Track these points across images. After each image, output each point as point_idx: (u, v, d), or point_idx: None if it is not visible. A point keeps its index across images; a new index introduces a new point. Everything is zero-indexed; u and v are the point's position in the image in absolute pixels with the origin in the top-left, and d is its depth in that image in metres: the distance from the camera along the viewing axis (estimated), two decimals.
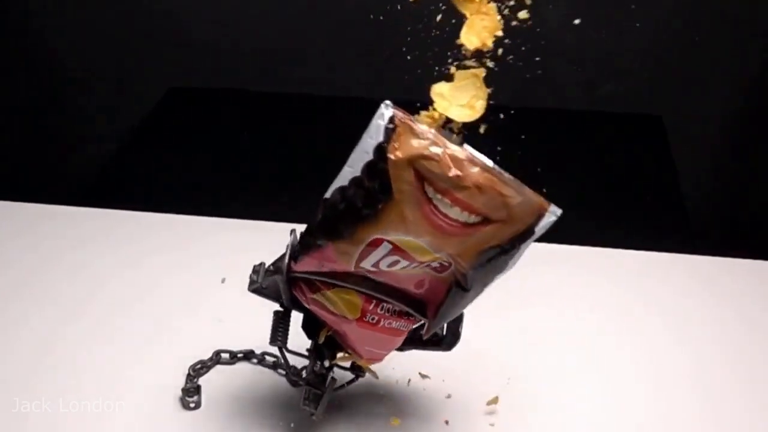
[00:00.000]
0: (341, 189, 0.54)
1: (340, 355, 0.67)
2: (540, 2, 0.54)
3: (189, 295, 0.86)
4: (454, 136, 0.54)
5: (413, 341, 0.65)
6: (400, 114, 0.52)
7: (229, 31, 1.71)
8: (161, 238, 0.95)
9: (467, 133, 0.55)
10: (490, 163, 0.52)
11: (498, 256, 0.54)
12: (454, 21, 0.56)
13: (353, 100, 1.58)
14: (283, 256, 0.61)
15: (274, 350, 0.71)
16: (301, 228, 0.61)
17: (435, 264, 0.56)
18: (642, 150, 1.49)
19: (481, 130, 0.56)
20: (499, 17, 0.54)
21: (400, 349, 0.65)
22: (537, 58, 0.66)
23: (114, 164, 1.50)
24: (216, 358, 0.76)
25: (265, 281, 0.63)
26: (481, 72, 0.55)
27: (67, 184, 1.63)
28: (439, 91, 0.55)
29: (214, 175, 1.42)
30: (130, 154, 1.52)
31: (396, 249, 0.55)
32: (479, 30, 0.54)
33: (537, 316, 0.83)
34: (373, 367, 0.68)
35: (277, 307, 0.66)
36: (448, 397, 0.73)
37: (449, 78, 0.55)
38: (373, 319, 0.60)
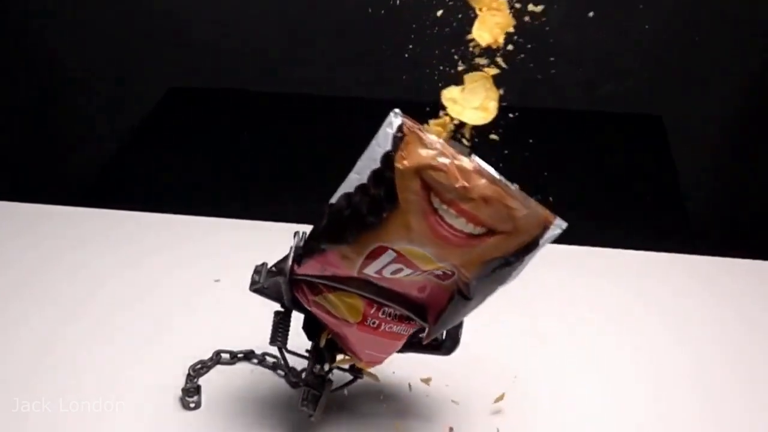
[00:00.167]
0: (347, 195, 0.54)
1: (339, 357, 0.67)
2: (540, 2, 0.54)
3: (189, 295, 0.86)
4: (463, 146, 0.54)
5: (413, 345, 0.65)
6: (409, 123, 0.52)
7: (229, 31, 1.71)
8: (161, 238, 0.95)
9: (477, 140, 0.55)
10: (497, 175, 0.52)
11: (502, 267, 0.54)
12: (460, 15, 0.55)
13: (353, 100, 1.59)
14: (286, 258, 0.61)
15: (275, 351, 0.71)
16: (304, 229, 0.61)
17: (438, 272, 0.56)
18: (642, 150, 1.49)
19: (493, 136, 0.56)
20: (509, 11, 0.54)
21: (400, 351, 0.65)
22: (535, 58, 0.66)
23: (114, 164, 1.50)
24: (216, 358, 0.76)
25: (267, 282, 0.63)
26: (493, 70, 0.55)
27: (67, 184, 1.63)
28: (450, 96, 0.55)
29: (214, 175, 1.42)
30: (130, 154, 1.52)
31: (400, 257, 0.55)
32: (491, 26, 0.54)
33: (537, 316, 0.83)
34: (374, 370, 0.68)
35: (277, 307, 0.66)
36: (455, 402, 0.73)
37: (453, 77, 0.55)
38: (374, 323, 0.60)
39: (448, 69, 0.56)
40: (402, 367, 0.74)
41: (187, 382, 0.73)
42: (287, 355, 0.68)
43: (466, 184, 0.51)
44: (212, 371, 0.75)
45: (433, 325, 0.60)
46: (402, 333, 0.62)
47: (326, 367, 0.67)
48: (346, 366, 0.68)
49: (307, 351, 0.67)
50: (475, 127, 0.55)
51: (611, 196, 1.36)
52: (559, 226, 0.52)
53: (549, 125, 1.49)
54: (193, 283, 0.87)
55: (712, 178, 1.70)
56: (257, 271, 0.64)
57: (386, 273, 0.56)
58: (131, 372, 0.75)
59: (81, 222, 0.98)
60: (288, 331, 0.66)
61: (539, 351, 0.79)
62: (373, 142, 0.52)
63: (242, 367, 0.76)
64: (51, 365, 0.76)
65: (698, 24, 1.58)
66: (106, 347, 0.78)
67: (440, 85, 0.57)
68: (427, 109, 0.56)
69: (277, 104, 1.62)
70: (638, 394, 0.74)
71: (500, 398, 0.72)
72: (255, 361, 0.76)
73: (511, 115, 0.56)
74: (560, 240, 0.54)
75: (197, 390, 0.72)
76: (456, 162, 0.51)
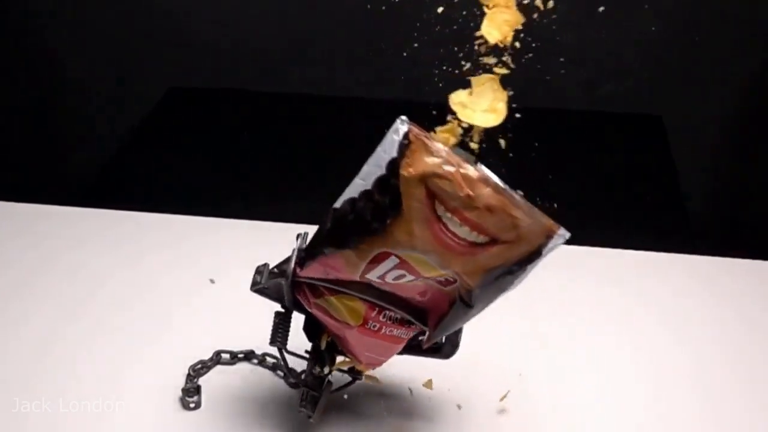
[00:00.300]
0: (351, 200, 0.54)
1: (339, 359, 0.67)
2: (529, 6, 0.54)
3: (189, 295, 0.86)
4: (469, 154, 0.54)
5: (412, 348, 0.65)
6: (415, 130, 0.52)
7: (229, 31, 1.71)
8: (161, 238, 0.95)
9: (485, 146, 0.55)
10: (502, 184, 0.51)
11: (504, 275, 0.54)
12: (464, 12, 0.55)
13: (353, 100, 1.59)
14: (288, 260, 0.61)
15: (275, 351, 0.71)
16: (304, 229, 0.61)
17: (441, 279, 0.56)
18: (642, 150, 1.49)
19: (502, 144, 0.56)
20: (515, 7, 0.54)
21: (399, 354, 0.65)
22: (536, 58, 0.66)
23: (114, 164, 1.50)
24: (216, 359, 0.76)
25: (268, 282, 0.63)
26: (502, 70, 0.54)
27: (67, 184, 1.63)
28: (458, 100, 0.55)
29: (214, 175, 1.42)
30: (130, 154, 1.52)
31: (403, 263, 0.55)
32: (500, 23, 0.54)
33: (537, 316, 0.83)
34: (374, 373, 0.69)
35: (278, 307, 0.66)
36: (459, 406, 0.73)
37: (454, 76, 0.55)
38: (374, 326, 0.60)
39: (448, 69, 0.56)
40: (402, 370, 0.73)
41: (187, 382, 0.73)
42: (287, 356, 0.68)
43: (471, 193, 0.51)
44: (212, 371, 0.75)
45: (433, 330, 0.60)
46: (402, 336, 0.62)
47: (326, 370, 0.67)
48: (346, 368, 0.68)
49: (306, 352, 0.67)
50: (484, 132, 0.55)
51: (611, 196, 1.36)
52: (562, 235, 0.52)
53: (549, 125, 1.49)
54: (194, 283, 0.87)
55: (712, 178, 1.70)
56: (259, 271, 0.64)
57: (389, 278, 0.56)
58: (131, 372, 0.75)
59: (81, 222, 0.98)
60: (288, 331, 0.66)
61: (540, 351, 0.79)
62: (379, 149, 0.52)
63: (242, 367, 0.76)
64: (51, 365, 0.76)
65: (698, 24, 1.58)
66: (106, 347, 0.78)
67: (441, 85, 0.57)
68: (434, 112, 0.56)
69: (277, 104, 1.62)
70: (638, 394, 0.74)
71: (504, 396, 0.72)
72: (255, 361, 0.76)
73: (517, 115, 0.56)
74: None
75: (197, 390, 0.72)
76: (461, 170, 0.51)
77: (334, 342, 0.65)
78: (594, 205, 1.30)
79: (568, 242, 0.53)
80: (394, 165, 0.52)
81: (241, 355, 0.76)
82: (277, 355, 0.72)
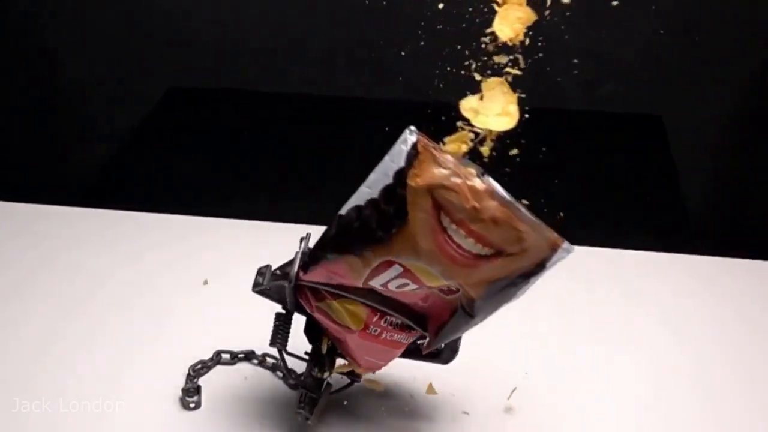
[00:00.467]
0: (357, 208, 0.54)
1: (339, 362, 0.67)
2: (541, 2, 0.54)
3: (189, 294, 0.86)
4: (476, 165, 0.53)
5: (411, 352, 0.66)
6: (423, 140, 0.52)
7: (229, 31, 1.71)
8: (161, 238, 0.95)
9: (495, 154, 0.54)
10: (508, 196, 0.51)
11: (507, 287, 0.54)
12: (470, 9, 0.55)
13: (353, 100, 1.59)
14: (291, 262, 0.61)
15: (275, 352, 0.71)
16: (306, 229, 0.61)
17: (443, 287, 0.56)
18: (642, 150, 1.49)
19: (512, 152, 0.56)
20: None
21: (398, 357, 0.66)
22: (535, 58, 0.66)
23: (114, 164, 1.50)
24: (216, 359, 0.76)
25: (271, 284, 0.63)
26: (515, 70, 0.54)
27: (67, 184, 1.63)
28: (469, 106, 0.54)
29: (214, 175, 1.42)
30: (130, 154, 1.52)
31: (406, 272, 0.55)
32: (512, 21, 0.53)
33: (537, 317, 0.83)
34: (376, 378, 0.69)
35: (279, 308, 0.66)
36: (463, 411, 0.73)
37: (454, 76, 0.55)
38: (375, 331, 0.60)
39: (449, 69, 0.56)
40: (403, 373, 0.73)
41: (187, 382, 0.73)
42: (287, 357, 0.68)
43: (477, 205, 0.51)
44: (212, 371, 0.75)
45: (434, 336, 0.61)
46: (402, 341, 0.62)
47: (326, 374, 0.67)
48: (345, 371, 0.68)
49: (306, 354, 0.67)
50: (496, 140, 0.55)
51: (611, 196, 1.36)
52: (566, 249, 0.52)
53: (549, 125, 1.49)
54: (194, 283, 0.87)
55: (712, 178, 1.70)
56: (261, 273, 0.64)
57: (392, 286, 0.56)
58: (131, 372, 0.75)
59: (81, 222, 0.98)
60: (288, 333, 0.66)
61: (540, 352, 0.79)
62: (387, 158, 0.52)
63: (242, 367, 0.76)
64: (51, 365, 0.76)
65: (698, 24, 1.58)
66: (106, 347, 0.78)
67: (441, 85, 0.56)
68: (443, 117, 0.56)
69: (277, 104, 1.62)
70: (638, 394, 0.74)
71: (511, 395, 0.72)
72: (255, 361, 0.76)
73: (527, 116, 0.56)
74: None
75: (197, 390, 0.72)
76: (468, 182, 0.51)
77: (334, 345, 0.65)
78: (594, 205, 1.30)
79: (569, 242, 0.53)
80: (401, 175, 0.52)
81: (241, 356, 0.76)
82: (277, 356, 0.72)
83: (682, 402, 0.74)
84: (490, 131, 0.54)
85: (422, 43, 0.70)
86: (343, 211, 0.54)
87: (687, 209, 1.35)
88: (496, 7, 0.54)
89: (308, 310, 0.62)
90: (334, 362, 0.67)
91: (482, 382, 0.74)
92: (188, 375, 0.74)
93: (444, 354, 0.67)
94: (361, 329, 0.60)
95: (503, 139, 0.55)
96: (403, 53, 0.71)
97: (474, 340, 0.67)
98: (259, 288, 0.64)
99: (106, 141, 1.64)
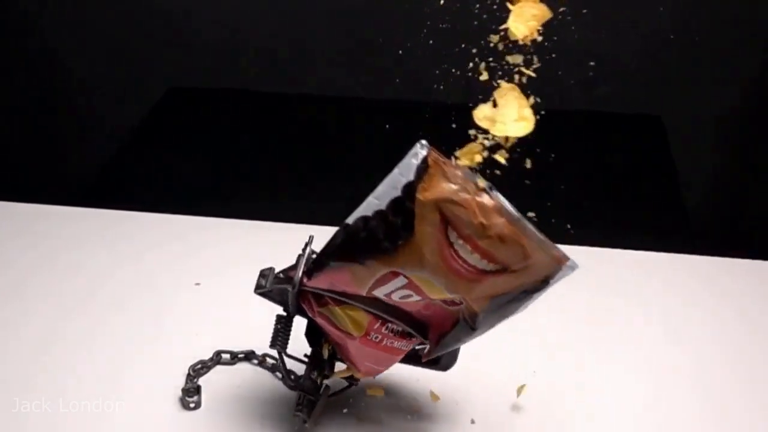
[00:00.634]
0: (364, 218, 0.54)
1: (338, 367, 0.67)
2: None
3: (189, 294, 0.86)
4: (485, 179, 0.53)
5: (411, 358, 0.66)
6: (434, 155, 0.52)
7: (229, 31, 1.71)
8: (161, 238, 0.95)
9: (509, 164, 0.54)
10: (516, 213, 0.51)
11: (510, 302, 0.54)
12: (477, 8, 0.54)
13: (353, 100, 1.59)
14: (294, 267, 0.61)
15: (275, 352, 0.71)
16: (305, 230, 0.61)
17: (446, 299, 0.56)
18: (642, 150, 1.49)
19: (528, 165, 0.55)
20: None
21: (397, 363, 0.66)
22: (535, 59, 0.66)
23: (114, 164, 1.50)
24: (216, 359, 0.76)
25: (273, 287, 0.63)
26: (529, 72, 0.54)
27: (67, 184, 1.63)
28: (482, 115, 0.54)
29: (214, 175, 1.42)
30: (130, 154, 1.52)
31: (411, 284, 0.55)
32: (527, 18, 0.53)
33: (536, 317, 0.83)
34: (377, 383, 0.69)
35: (279, 309, 0.66)
36: (462, 410, 0.73)
37: (454, 75, 0.55)
38: (376, 338, 0.61)
39: (450, 69, 0.56)
40: (404, 377, 0.73)
41: (187, 382, 0.73)
42: (286, 359, 0.68)
43: (485, 222, 0.51)
44: (212, 371, 0.75)
45: (434, 345, 0.61)
46: (402, 348, 0.63)
47: (327, 380, 0.67)
48: (344, 375, 0.68)
49: (305, 356, 0.67)
50: (510, 150, 0.54)
51: (611, 196, 1.36)
52: (571, 267, 0.53)
53: (549, 125, 1.49)
54: (193, 283, 0.87)
55: (712, 178, 1.70)
56: (263, 275, 0.64)
57: (395, 297, 0.57)
58: (131, 372, 0.75)
59: (80, 222, 0.98)
60: (289, 335, 0.66)
61: (539, 352, 0.79)
62: (396, 170, 0.52)
63: (242, 367, 0.76)
64: (51, 365, 0.76)
65: (698, 24, 1.58)
66: (106, 347, 0.78)
67: (441, 87, 0.56)
68: (453, 125, 0.55)
69: (278, 104, 1.62)
70: (638, 394, 0.74)
71: (520, 392, 0.72)
72: (255, 361, 0.76)
73: (537, 116, 0.55)
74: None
75: (197, 390, 0.72)
76: (477, 198, 0.51)
77: (334, 349, 0.65)
78: (594, 205, 1.30)
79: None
80: (410, 188, 0.52)
81: (241, 356, 0.76)
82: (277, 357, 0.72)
83: (682, 402, 0.74)
84: (507, 138, 0.54)
85: (423, 43, 0.70)
86: (350, 220, 0.55)
87: (687, 209, 1.35)
88: (509, 5, 0.53)
89: (310, 315, 0.63)
90: (333, 366, 0.67)
91: (482, 383, 0.74)
92: (188, 375, 0.74)
93: (443, 360, 0.67)
94: (362, 335, 0.60)
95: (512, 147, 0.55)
96: (400, 52, 0.71)
97: (474, 341, 0.67)
98: (261, 290, 0.64)
99: (106, 141, 1.64)
